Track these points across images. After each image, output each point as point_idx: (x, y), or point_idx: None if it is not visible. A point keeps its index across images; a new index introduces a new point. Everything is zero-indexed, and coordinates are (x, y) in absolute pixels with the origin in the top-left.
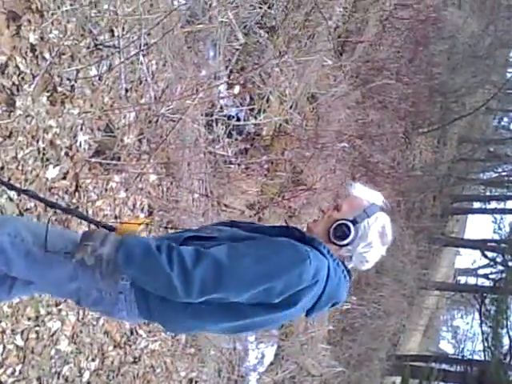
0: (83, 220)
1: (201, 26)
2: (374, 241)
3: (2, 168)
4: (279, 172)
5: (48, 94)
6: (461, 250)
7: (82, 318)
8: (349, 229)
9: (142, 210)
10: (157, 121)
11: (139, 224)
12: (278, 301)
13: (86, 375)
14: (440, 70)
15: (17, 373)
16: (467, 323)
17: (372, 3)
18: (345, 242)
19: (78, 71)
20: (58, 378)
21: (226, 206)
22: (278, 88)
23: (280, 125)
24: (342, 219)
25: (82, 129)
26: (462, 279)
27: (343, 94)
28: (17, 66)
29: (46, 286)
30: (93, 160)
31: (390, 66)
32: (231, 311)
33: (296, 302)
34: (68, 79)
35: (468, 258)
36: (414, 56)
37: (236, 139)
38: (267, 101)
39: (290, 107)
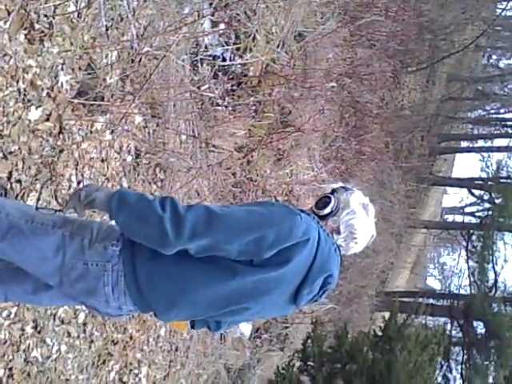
0: None
1: None
2: (357, 208)
3: None
4: (267, 113)
5: (25, 32)
6: (448, 188)
7: None
8: (329, 198)
9: (129, 152)
10: (140, 60)
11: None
12: (268, 255)
13: (82, 316)
14: (429, 6)
15: (12, 315)
16: (454, 259)
17: None
18: (327, 208)
19: (55, 7)
20: (54, 319)
21: (214, 146)
22: (264, 26)
23: (267, 64)
24: (321, 194)
25: (62, 68)
26: (449, 217)
27: (331, 31)
28: None
29: (26, 265)
30: (75, 101)
31: (378, 1)
32: (220, 267)
33: (287, 259)
34: (45, 16)
35: (455, 197)
36: None
37: (222, 80)
38: (253, 39)
39: (277, 46)
